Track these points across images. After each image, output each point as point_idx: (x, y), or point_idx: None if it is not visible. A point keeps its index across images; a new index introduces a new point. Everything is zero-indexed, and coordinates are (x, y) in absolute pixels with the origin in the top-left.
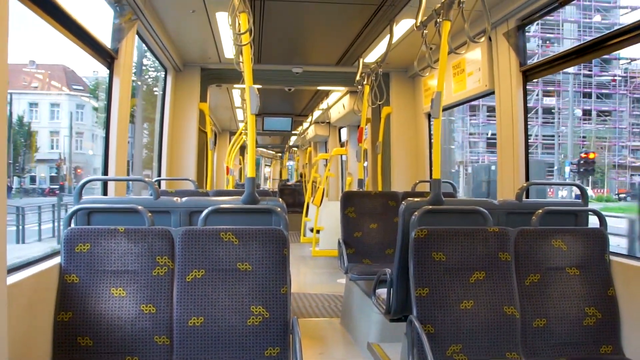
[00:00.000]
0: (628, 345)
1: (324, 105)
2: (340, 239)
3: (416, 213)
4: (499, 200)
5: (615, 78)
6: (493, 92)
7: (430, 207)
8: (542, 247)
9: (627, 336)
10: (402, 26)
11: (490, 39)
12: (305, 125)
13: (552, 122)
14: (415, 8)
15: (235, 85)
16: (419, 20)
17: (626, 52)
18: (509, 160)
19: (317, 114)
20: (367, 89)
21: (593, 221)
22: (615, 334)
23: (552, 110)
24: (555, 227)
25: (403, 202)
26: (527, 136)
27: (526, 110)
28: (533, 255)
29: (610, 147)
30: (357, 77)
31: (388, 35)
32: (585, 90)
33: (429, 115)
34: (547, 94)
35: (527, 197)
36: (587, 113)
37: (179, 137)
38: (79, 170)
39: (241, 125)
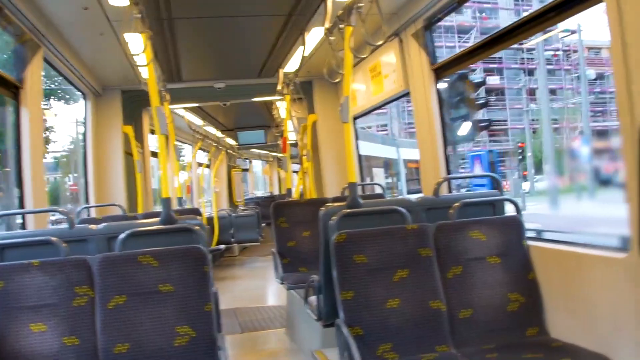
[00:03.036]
0: (552, 325)
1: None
2: (273, 250)
3: (334, 218)
4: (417, 197)
5: (557, 53)
6: (409, 93)
7: (348, 210)
8: (461, 239)
9: (550, 317)
10: (315, 34)
11: (401, 40)
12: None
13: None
14: (324, 16)
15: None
16: (325, 27)
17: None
18: (429, 156)
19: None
20: (287, 98)
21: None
22: (539, 315)
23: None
24: (472, 218)
25: (321, 209)
26: (445, 131)
27: (441, 106)
28: (453, 248)
29: (562, 130)
30: (278, 87)
31: (302, 45)
32: (530, 66)
33: (354, 119)
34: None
35: (450, 191)
36: (532, 92)
37: (104, 163)
38: None
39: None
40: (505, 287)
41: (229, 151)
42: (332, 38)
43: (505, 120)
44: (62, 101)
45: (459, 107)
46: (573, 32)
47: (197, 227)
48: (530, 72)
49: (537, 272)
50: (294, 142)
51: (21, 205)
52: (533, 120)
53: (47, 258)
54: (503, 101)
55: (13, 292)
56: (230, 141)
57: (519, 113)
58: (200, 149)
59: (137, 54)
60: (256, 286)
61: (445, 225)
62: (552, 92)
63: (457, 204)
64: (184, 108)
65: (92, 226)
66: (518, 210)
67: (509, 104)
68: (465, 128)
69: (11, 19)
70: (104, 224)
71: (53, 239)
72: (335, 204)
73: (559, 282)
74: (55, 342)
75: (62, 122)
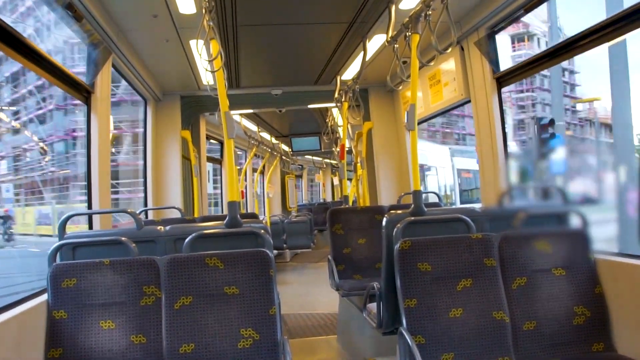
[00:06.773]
0: (619, 341)
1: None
2: (329, 257)
3: (399, 225)
4: (481, 207)
5: None
6: (469, 101)
7: (413, 218)
8: (526, 250)
9: (618, 332)
10: (376, 42)
11: (462, 48)
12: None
13: None
14: (386, 23)
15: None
16: (390, 35)
17: None
18: (490, 166)
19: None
20: (345, 105)
21: None
22: (605, 331)
23: None
24: (538, 229)
25: (385, 216)
26: (506, 142)
27: (503, 116)
28: (518, 259)
29: None
30: (336, 95)
31: (362, 52)
32: None
33: None
34: None
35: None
36: None
37: (163, 167)
38: None
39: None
40: (571, 300)
41: (283, 157)
42: (396, 46)
43: None
44: None
45: None
46: None
47: (263, 231)
48: None
49: (604, 286)
50: (347, 149)
51: (89, 206)
52: None
53: (116, 257)
54: None
55: (85, 289)
56: (284, 147)
57: None
58: (255, 154)
59: (209, 60)
60: (306, 292)
61: (511, 235)
62: None
63: (522, 215)
64: (240, 114)
65: (160, 228)
66: (585, 222)
67: None
68: None
69: (87, 26)
70: (170, 226)
71: (123, 239)
72: (399, 212)
73: (629, 297)
74: (123, 340)
75: None
